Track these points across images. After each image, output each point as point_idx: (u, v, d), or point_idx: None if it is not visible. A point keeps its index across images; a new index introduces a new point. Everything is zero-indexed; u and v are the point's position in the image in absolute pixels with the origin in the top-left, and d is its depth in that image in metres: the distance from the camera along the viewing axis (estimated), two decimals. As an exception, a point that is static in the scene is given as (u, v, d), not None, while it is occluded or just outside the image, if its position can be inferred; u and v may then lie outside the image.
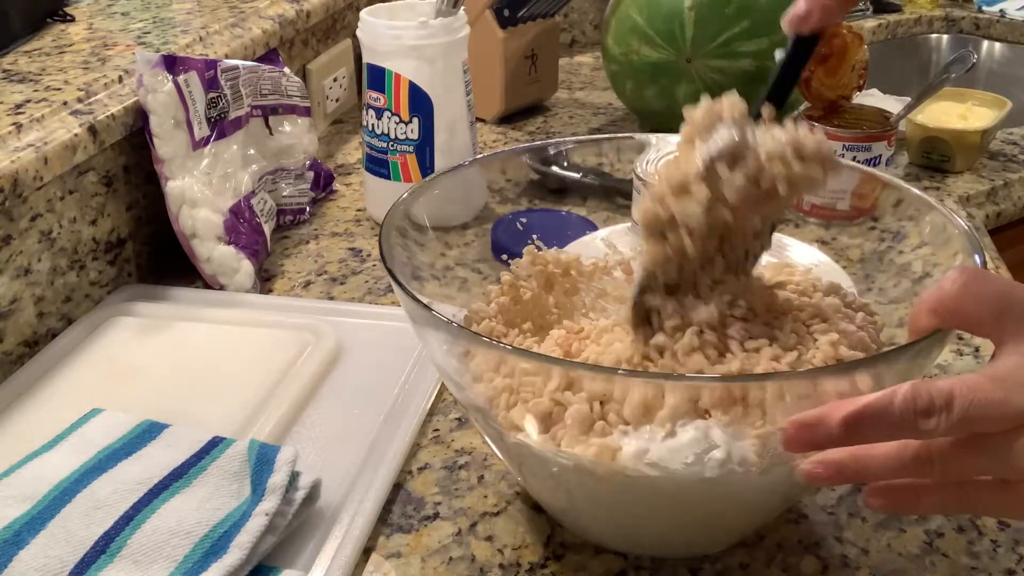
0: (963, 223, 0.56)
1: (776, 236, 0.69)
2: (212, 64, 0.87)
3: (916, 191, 0.60)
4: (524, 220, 0.74)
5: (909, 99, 1.10)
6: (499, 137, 1.22)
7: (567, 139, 0.79)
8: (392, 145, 0.94)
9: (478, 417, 0.54)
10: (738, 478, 0.47)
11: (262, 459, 0.57)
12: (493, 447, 0.56)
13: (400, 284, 0.52)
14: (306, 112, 1.02)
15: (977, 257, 0.52)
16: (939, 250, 0.57)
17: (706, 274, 0.53)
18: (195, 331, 0.77)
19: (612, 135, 0.73)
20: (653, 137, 0.75)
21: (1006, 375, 0.40)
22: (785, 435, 0.43)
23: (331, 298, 0.85)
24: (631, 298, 0.53)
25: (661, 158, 0.76)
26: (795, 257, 0.67)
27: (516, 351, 0.53)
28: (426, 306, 0.49)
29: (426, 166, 0.93)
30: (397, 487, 0.62)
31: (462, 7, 0.93)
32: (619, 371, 0.51)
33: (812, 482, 0.45)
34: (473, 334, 0.53)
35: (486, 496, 0.62)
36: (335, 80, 1.27)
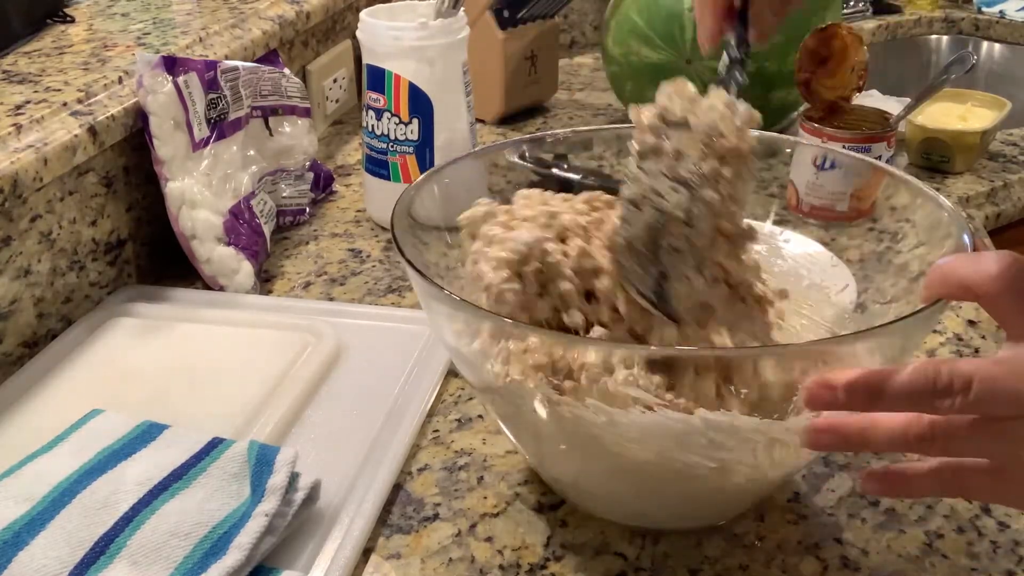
0: (948, 203, 0.57)
1: (775, 229, 0.70)
2: (212, 65, 0.87)
3: (903, 174, 0.61)
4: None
5: (909, 100, 1.10)
6: (499, 138, 1.21)
7: (574, 129, 0.80)
8: (392, 146, 0.94)
9: (495, 396, 0.54)
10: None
11: (262, 460, 0.57)
12: (503, 425, 0.57)
13: (409, 262, 0.53)
14: (306, 113, 1.02)
15: (966, 237, 0.53)
16: (933, 246, 0.58)
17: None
18: (195, 332, 0.77)
19: (618, 125, 0.74)
20: None
21: (1021, 368, 0.42)
22: (808, 393, 0.45)
23: (331, 299, 0.85)
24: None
25: None
26: (792, 249, 0.68)
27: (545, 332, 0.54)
28: (438, 285, 0.52)
29: (426, 167, 0.93)
30: (397, 488, 0.62)
31: (462, 8, 0.93)
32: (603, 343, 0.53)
33: (814, 448, 0.47)
34: (473, 306, 0.54)
35: (486, 497, 0.62)
36: (335, 81, 1.27)
